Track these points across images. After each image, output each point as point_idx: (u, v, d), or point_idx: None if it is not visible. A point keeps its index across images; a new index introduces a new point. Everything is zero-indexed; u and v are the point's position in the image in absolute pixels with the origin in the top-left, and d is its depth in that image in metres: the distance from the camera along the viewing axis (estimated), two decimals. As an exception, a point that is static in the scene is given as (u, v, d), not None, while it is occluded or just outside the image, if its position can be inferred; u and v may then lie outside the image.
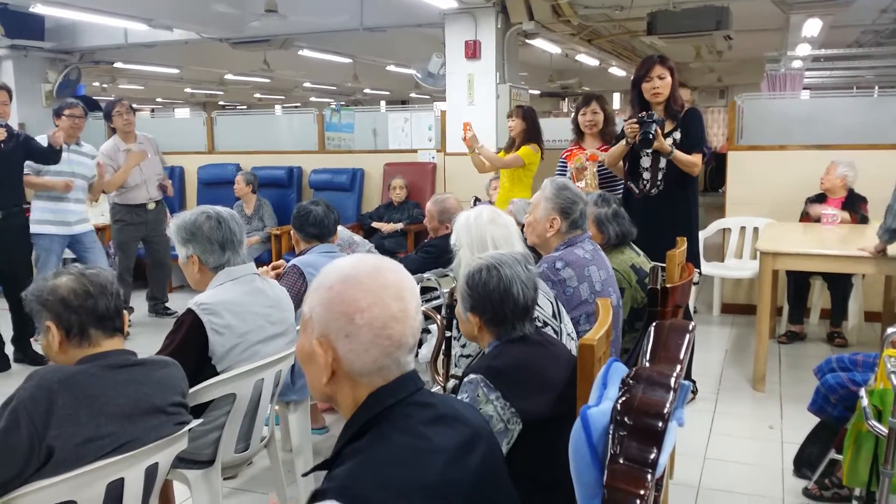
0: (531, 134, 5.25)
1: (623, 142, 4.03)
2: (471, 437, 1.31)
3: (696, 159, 3.99)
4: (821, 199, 5.33)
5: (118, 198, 5.80)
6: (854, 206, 5.15)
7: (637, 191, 4.09)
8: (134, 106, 6.08)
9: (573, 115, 4.85)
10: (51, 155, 4.89)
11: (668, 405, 1.28)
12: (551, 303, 2.37)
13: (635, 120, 3.91)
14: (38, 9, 6.51)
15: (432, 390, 1.59)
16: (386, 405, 1.25)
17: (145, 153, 5.77)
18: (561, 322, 2.35)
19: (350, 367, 1.25)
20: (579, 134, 4.78)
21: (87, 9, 6.54)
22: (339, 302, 1.24)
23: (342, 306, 1.24)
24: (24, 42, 7.77)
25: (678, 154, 3.93)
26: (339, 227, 4.00)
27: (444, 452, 1.24)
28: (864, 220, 5.11)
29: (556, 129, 7.23)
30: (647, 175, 4.07)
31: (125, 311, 2.03)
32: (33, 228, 5.17)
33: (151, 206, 5.89)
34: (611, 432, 1.28)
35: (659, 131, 3.86)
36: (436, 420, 1.27)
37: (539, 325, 2.25)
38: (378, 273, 1.27)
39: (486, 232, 2.54)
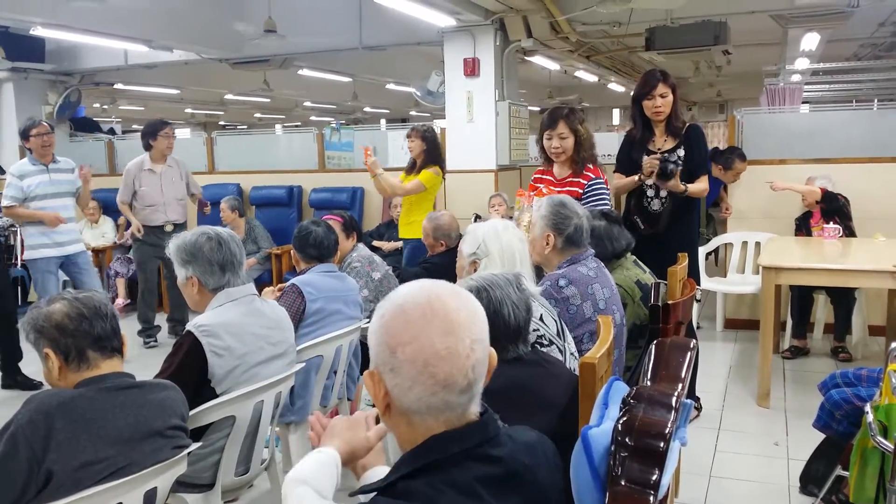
0: (432, 156, 5.14)
1: (635, 177, 4.00)
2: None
3: (704, 184, 4.01)
4: (808, 214, 5.36)
5: (136, 217, 5.78)
6: (837, 211, 5.15)
7: (643, 227, 4.04)
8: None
9: (538, 135, 3.91)
10: None
11: (669, 425, 1.26)
12: (555, 321, 2.35)
13: (658, 158, 3.91)
14: (38, 31, 6.54)
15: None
16: (448, 453, 1.18)
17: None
18: (564, 341, 2.34)
19: (400, 403, 1.19)
20: (547, 158, 3.86)
21: (88, 31, 6.58)
22: (384, 333, 1.19)
23: (386, 338, 1.18)
24: (24, 64, 7.82)
25: (691, 188, 3.94)
26: (360, 245, 3.99)
27: None
28: (851, 233, 5.13)
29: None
30: (655, 203, 4.05)
31: (124, 333, 2.03)
32: (27, 254, 5.16)
33: (169, 227, 5.81)
34: (612, 453, 1.26)
35: (677, 176, 3.87)
36: (499, 480, 1.19)
37: (545, 343, 2.23)
38: (429, 304, 1.18)
39: (514, 245, 2.52)
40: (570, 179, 3.78)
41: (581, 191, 3.70)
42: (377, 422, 1.54)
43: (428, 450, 1.19)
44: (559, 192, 3.67)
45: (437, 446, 1.18)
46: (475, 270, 2.49)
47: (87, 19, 6.30)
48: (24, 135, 5.19)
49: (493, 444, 1.22)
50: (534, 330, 2.22)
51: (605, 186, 3.75)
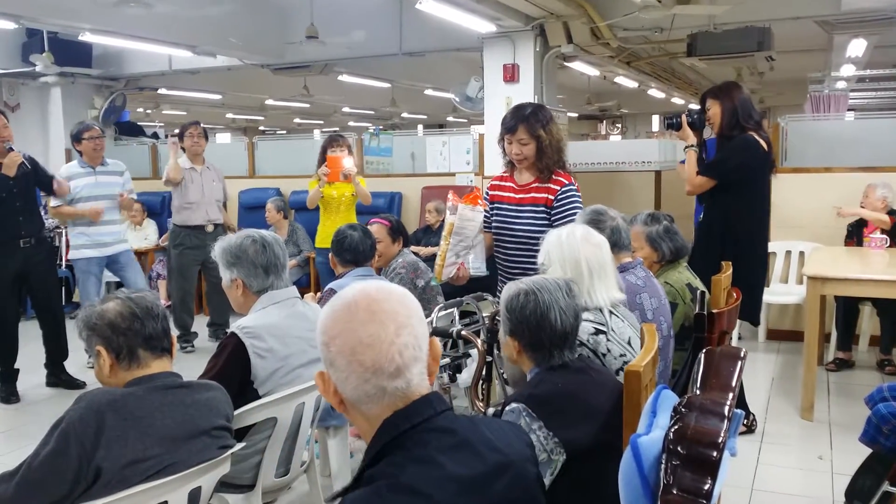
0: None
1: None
2: (497, 467, 1.27)
3: (690, 176, 4.05)
4: (862, 223, 5.23)
5: (176, 218, 5.87)
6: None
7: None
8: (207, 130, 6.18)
9: (499, 136, 3.43)
10: (49, 186, 4.97)
11: (722, 434, 1.24)
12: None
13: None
14: (87, 37, 6.69)
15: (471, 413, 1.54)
16: (401, 430, 1.23)
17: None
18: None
19: (345, 395, 1.26)
20: (510, 162, 3.44)
21: (134, 37, 6.72)
22: (320, 333, 1.28)
23: (321, 337, 1.27)
24: (72, 69, 7.99)
25: (688, 154, 4.10)
26: (405, 250, 4.00)
27: (459, 481, 1.21)
28: None
29: (594, 151, 7.18)
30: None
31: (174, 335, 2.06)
32: (71, 254, 5.31)
33: (210, 227, 5.88)
34: (663, 461, 1.24)
35: (684, 119, 4.14)
36: (456, 447, 1.24)
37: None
38: (353, 300, 1.26)
39: (579, 252, 2.37)
40: (535, 185, 3.33)
41: (552, 197, 3.28)
42: None
43: (382, 434, 1.24)
44: (519, 199, 3.35)
45: (388, 428, 1.24)
46: None
47: (134, 26, 6.44)
48: (77, 137, 5.29)
49: (444, 417, 1.27)
50: (620, 355, 2.21)
51: (577, 193, 3.34)
